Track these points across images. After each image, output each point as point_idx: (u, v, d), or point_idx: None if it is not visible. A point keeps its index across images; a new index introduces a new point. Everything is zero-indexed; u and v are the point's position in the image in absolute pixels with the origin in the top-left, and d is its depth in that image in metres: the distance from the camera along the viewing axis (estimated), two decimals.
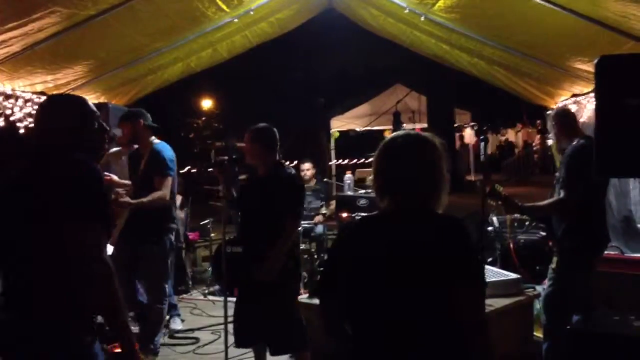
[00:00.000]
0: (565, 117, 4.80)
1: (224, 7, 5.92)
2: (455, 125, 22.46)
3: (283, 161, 4.84)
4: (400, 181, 2.37)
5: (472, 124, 23.36)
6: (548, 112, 4.92)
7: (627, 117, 3.43)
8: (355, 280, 2.30)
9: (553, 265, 4.62)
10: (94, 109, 2.86)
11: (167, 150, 5.45)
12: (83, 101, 2.88)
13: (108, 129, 3.03)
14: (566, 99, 7.14)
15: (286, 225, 4.51)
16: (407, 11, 6.39)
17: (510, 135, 37.33)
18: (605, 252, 5.10)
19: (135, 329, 5.86)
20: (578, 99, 6.88)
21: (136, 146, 5.67)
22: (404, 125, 16.00)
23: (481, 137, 5.52)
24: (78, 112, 2.80)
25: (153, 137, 5.53)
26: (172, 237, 5.56)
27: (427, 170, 2.38)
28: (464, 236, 2.30)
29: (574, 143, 4.56)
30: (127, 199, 5.12)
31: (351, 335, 2.34)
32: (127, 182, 5.92)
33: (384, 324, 2.26)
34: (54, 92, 6.32)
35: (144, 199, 5.21)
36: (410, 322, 2.23)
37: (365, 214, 7.10)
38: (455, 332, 2.26)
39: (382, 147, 2.46)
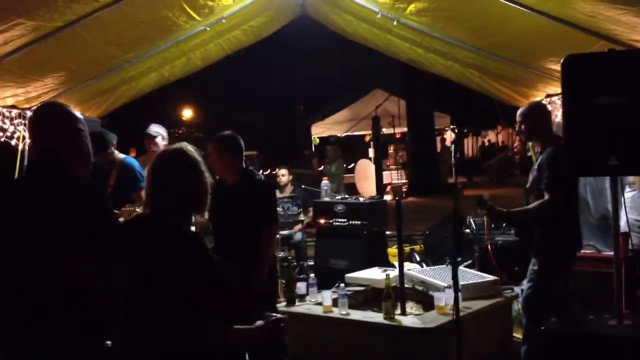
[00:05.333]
0: (531, 115, 4.78)
1: (194, 15, 5.86)
2: (436, 128, 22.56)
3: (251, 168, 4.81)
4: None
5: (452, 126, 23.50)
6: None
7: (595, 116, 3.44)
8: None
9: (535, 267, 4.61)
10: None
11: (136, 163, 5.47)
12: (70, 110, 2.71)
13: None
14: (540, 100, 7.17)
15: (263, 233, 4.47)
16: (379, 16, 6.37)
17: (492, 136, 37.58)
18: (582, 251, 5.13)
19: None
20: (552, 99, 6.91)
21: None
22: (384, 129, 16.06)
23: (452, 141, 5.51)
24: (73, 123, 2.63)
25: (116, 151, 5.54)
26: None
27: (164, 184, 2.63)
28: (180, 242, 2.55)
29: (552, 147, 4.56)
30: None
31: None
32: None
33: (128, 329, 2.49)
34: (25, 106, 6.25)
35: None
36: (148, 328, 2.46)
37: (344, 220, 7.10)
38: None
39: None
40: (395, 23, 6.39)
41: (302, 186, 8.96)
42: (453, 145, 4.64)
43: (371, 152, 18.47)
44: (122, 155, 5.59)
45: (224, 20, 6.39)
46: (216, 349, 2.51)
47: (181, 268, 2.46)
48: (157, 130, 6.08)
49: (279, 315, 2.75)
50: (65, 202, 2.45)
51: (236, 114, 21.91)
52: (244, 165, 4.71)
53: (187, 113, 29.07)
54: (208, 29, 6.44)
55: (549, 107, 6.86)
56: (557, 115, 6.67)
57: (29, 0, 4.34)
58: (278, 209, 7.56)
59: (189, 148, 2.73)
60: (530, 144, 6.79)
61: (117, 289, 2.47)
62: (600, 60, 3.55)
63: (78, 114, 2.70)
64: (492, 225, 6.93)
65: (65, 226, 2.40)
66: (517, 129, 4.94)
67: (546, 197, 4.46)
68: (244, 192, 4.52)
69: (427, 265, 7.27)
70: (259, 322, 2.66)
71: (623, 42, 4.83)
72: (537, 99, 7.24)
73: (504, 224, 6.85)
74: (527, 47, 6.00)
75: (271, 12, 7.05)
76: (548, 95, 7.01)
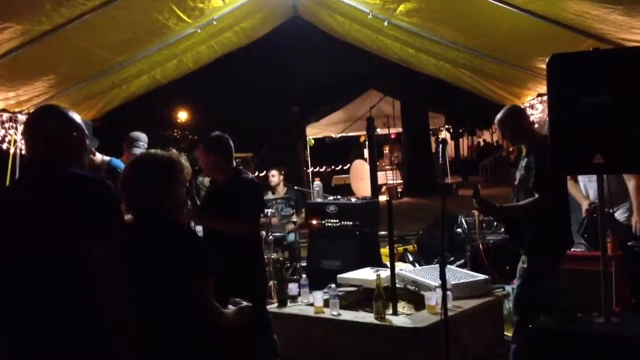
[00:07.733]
0: (511, 121, 4.80)
1: (185, 17, 5.85)
2: (431, 128, 22.58)
3: (241, 167, 4.81)
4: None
5: (447, 126, 23.53)
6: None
7: (580, 115, 3.45)
8: None
9: (524, 265, 4.62)
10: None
11: (122, 165, 5.45)
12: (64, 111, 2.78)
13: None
14: (532, 99, 7.20)
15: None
16: (370, 17, 6.38)
17: (487, 136, 37.63)
18: (573, 249, 5.15)
19: None
20: (544, 98, 6.93)
21: None
22: (378, 130, 16.08)
23: (439, 141, 5.47)
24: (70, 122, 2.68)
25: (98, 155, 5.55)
26: None
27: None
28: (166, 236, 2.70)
29: (538, 146, 4.56)
30: None
31: None
32: None
33: None
34: (16, 109, 6.25)
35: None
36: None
37: (336, 220, 7.10)
38: None
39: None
40: (386, 24, 6.40)
41: (295, 187, 8.97)
42: (441, 146, 4.50)
43: (366, 153, 18.49)
44: (107, 158, 5.52)
45: (214, 22, 6.39)
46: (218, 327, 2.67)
47: (178, 256, 2.57)
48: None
49: (245, 303, 2.84)
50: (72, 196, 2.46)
51: (231, 115, 21.92)
52: (234, 165, 4.71)
53: (183, 115, 29.06)
54: (199, 30, 6.43)
55: (541, 106, 6.90)
56: None
57: (16, 3, 4.34)
58: (271, 210, 7.57)
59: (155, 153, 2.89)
60: None
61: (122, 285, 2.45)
62: (585, 59, 3.56)
63: (75, 117, 2.74)
64: (484, 225, 6.95)
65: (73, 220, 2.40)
66: (507, 136, 4.97)
67: (536, 195, 4.48)
68: (231, 191, 4.54)
69: (420, 265, 7.28)
70: (231, 307, 2.77)
71: (611, 40, 4.85)
72: (529, 98, 7.28)
73: (495, 223, 6.85)
74: (517, 46, 6.01)
75: (262, 14, 7.05)
76: (539, 95, 7.02)
